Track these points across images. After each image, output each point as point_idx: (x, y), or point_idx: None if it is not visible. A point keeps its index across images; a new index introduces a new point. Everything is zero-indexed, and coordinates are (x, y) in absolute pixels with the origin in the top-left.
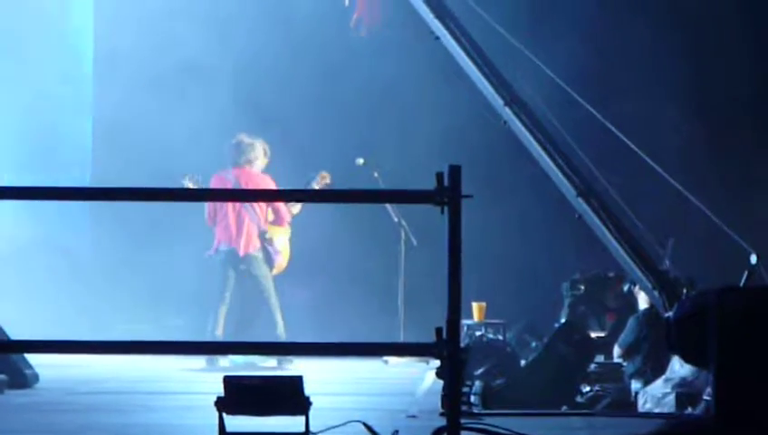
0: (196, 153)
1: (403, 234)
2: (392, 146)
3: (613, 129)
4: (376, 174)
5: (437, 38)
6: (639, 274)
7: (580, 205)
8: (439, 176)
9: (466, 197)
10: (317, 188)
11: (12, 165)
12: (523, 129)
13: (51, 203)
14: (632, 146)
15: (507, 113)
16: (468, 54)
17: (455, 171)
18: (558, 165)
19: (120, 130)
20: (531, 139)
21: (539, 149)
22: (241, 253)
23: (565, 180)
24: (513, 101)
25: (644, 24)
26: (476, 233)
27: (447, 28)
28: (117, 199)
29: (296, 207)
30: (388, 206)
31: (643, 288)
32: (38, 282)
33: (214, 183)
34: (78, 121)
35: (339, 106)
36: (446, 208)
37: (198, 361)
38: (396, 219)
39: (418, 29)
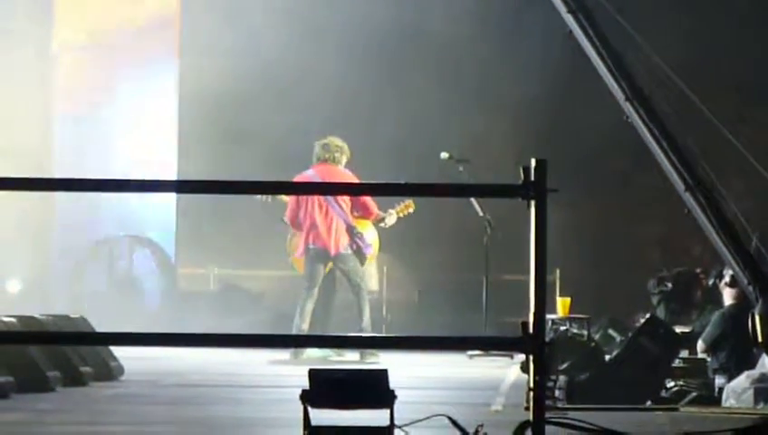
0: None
1: (488, 228)
2: (477, 140)
3: (716, 121)
4: (461, 168)
5: (570, 32)
6: (738, 269)
7: (688, 199)
8: (525, 170)
9: (552, 191)
10: (396, 214)
11: None
12: (641, 123)
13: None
14: (733, 139)
15: (628, 108)
16: (596, 50)
17: (541, 165)
18: (670, 159)
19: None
20: (647, 133)
21: (653, 143)
22: (332, 252)
23: (675, 174)
24: (633, 96)
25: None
26: (561, 228)
27: (579, 23)
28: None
29: (391, 219)
30: (473, 200)
31: (741, 284)
32: (124, 274)
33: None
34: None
35: (424, 101)
36: (531, 203)
37: (283, 354)
38: (481, 214)
39: (496, 24)
